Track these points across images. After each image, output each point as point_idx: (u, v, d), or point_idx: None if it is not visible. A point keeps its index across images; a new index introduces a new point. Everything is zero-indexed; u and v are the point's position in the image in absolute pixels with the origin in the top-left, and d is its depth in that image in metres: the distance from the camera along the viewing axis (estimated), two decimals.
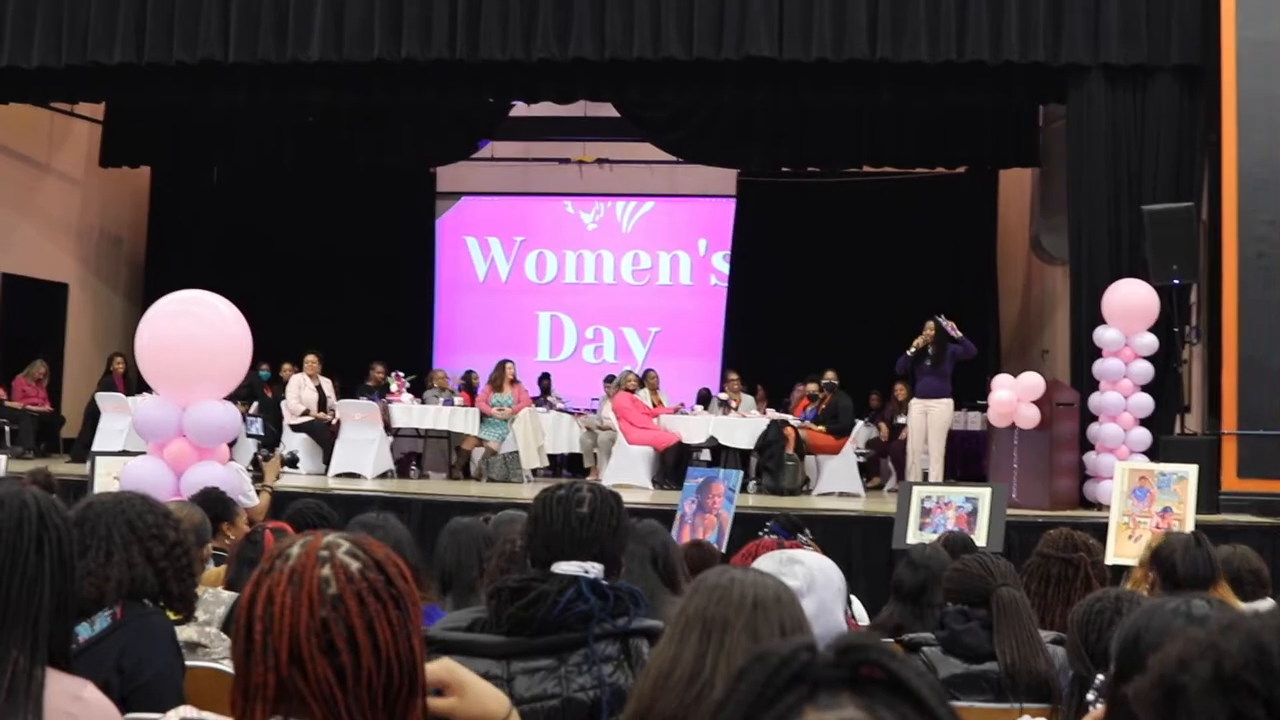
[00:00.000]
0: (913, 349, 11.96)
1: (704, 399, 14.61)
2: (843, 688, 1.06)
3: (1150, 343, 10.99)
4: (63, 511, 2.27)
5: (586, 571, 2.77)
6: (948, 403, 11.99)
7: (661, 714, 2.09)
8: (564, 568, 2.77)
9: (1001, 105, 14.38)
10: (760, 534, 5.71)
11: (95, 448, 12.10)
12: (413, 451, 14.00)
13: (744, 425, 12.85)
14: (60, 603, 2.18)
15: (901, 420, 13.24)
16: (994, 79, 11.92)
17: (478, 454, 13.36)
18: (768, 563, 2.93)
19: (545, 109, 14.89)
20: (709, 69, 11.94)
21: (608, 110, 15.27)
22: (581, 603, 2.69)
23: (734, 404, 13.56)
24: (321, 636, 1.70)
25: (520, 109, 15.57)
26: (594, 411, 14.75)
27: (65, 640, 2.19)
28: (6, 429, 13.76)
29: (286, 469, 10.04)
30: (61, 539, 2.20)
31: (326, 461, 12.77)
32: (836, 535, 9.29)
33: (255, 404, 13.30)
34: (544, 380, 15.89)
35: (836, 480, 12.48)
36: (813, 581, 2.90)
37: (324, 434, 12.94)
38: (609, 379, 14.69)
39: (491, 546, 4.21)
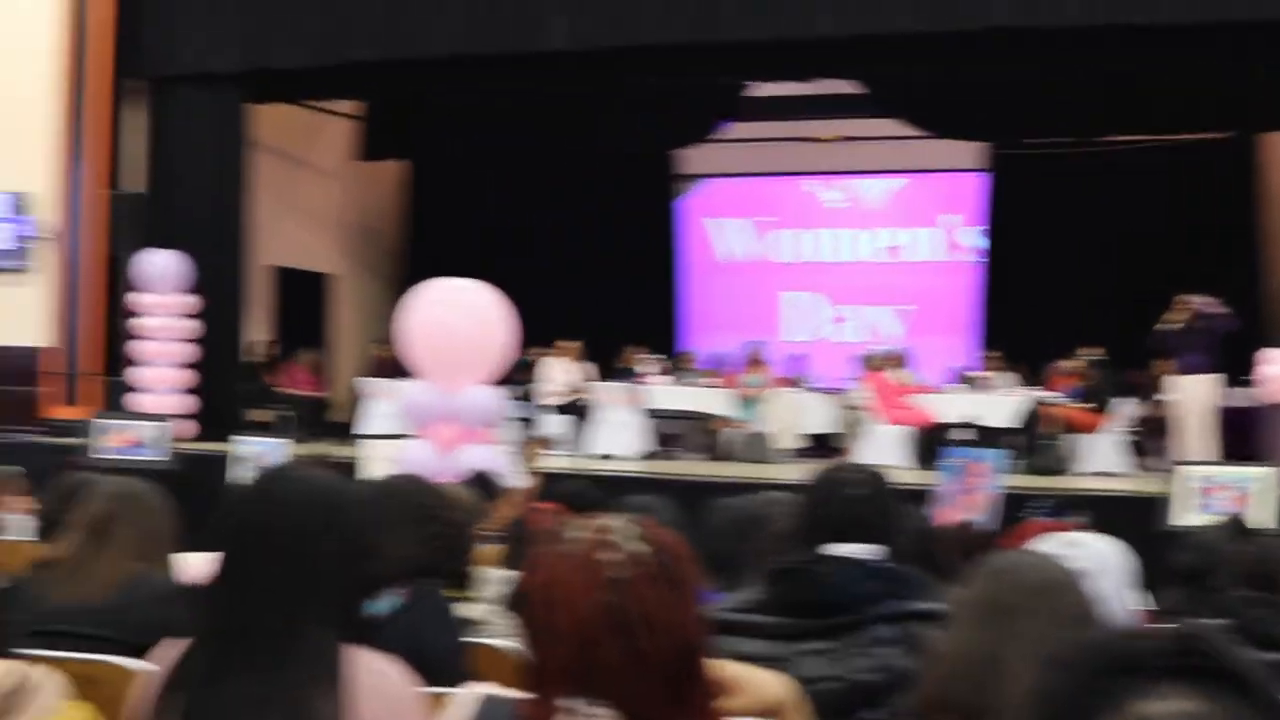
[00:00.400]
0: (1168, 324, 11.49)
1: (960, 377, 14.33)
2: (1180, 678, 1.02)
3: None
4: (355, 493, 2.35)
5: (864, 553, 2.74)
6: (1211, 378, 11.44)
7: (955, 700, 2.06)
8: (841, 549, 2.75)
9: (1267, 66, 13.64)
10: (1028, 515, 5.57)
11: (361, 431, 12.60)
12: (668, 432, 14.11)
13: (1002, 403, 12.56)
14: (356, 582, 2.26)
15: (1166, 397, 12.74)
16: (1259, 39, 11.31)
17: (729, 434, 13.40)
18: (1049, 546, 2.85)
19: (786, 87, 14.78)
20: (952, 41, 11.66)
21: (849, 86, 15.07)
22: (860, 584, 2.67)
23: (992, 382, 13.26)
24: (608, 619, 1.71)
25: (760, 88, 15.49)
26: (846, 391, 14.61)
27: (362, 618, 2.27)
28: (281, 415, 14.39)
29: (546, 451, 10.24)
30: (355, 520, 2.28)
31: (585, 443, 13.00)
32: (1100, 516, 8.98)
33: (515, 387, 13.61)
34: (794, 360, 15.83)
35: (1099, 459, 12.08)
36: (1096, 565, 2.81)
37: (582, 415, 13.18)
38: (861, 358, 14.53)
39: (758, 527, 4.19)
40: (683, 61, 12.71)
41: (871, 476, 2.88)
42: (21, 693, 2.05)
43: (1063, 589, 2.16)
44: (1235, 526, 5.30)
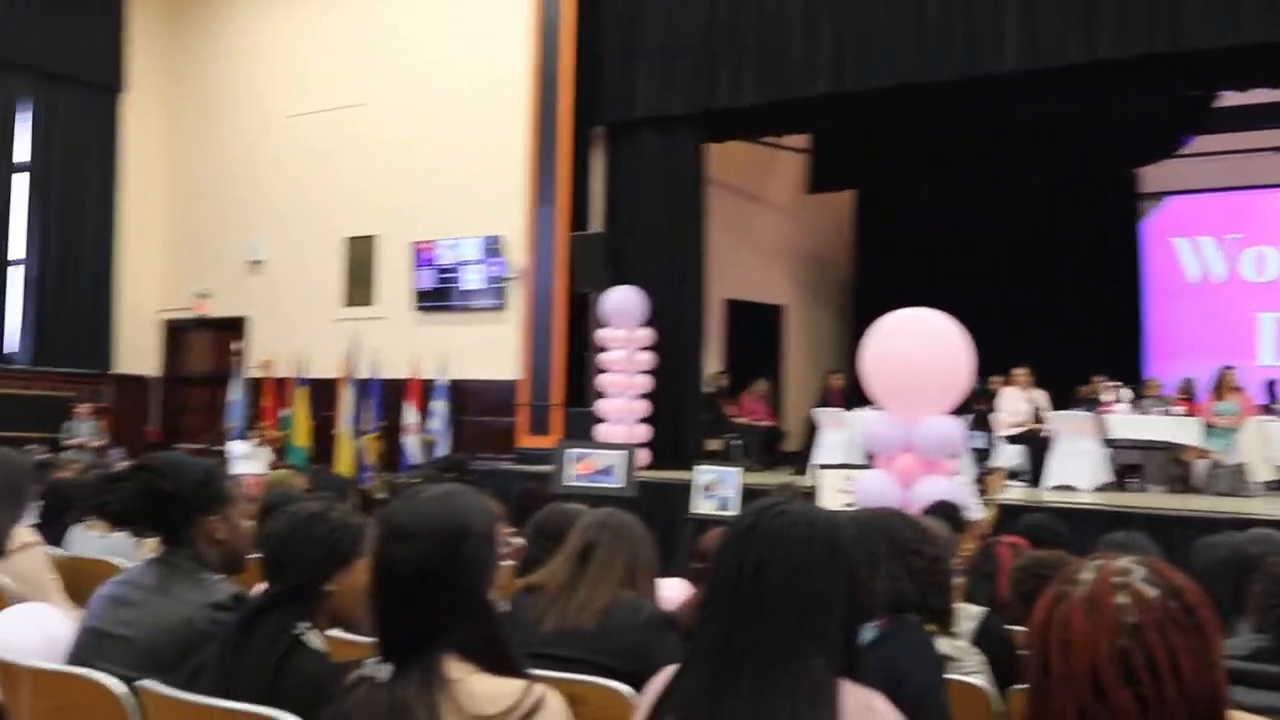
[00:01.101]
0: None
1: None
2: None
3: None
4: (845, 527, 2.36)
5: None
6: None
7: None
8: None
9: None
10: None
11: (816, 461, 12.71)
12: (1131, 464, 13.51)
13: None
14: (849, 614, 2.27)
15: None
16: None
17: (1201, 465, 12.67)
18: None
19: (1256, 95, 13.90)
20: None
21: None
22: None
23: None
24: (1122, 666, 1.65)
25: (1227, 98, 14.62)
26: None
27: (853, 651, 2.28)
28: (735, 444, 14.71)
29: (1005, 483, 10.00)
30: (850, 553, 2.30)
31: (1039, 473, 12.62)
32: None
33: (970, 417, 13.40)
34: (1272, 386, 14.81)
35: None
36: None
37: (1039, 446, 12.81)
38: None
39: (1250, 567, 3.93)
40: (1140, 76, 12.16)
41: None
42: (536, 709, 2.19)
43: None
44: None
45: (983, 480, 8.40)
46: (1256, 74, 12.31)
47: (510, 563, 4.38)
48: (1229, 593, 3.96)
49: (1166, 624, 1.67)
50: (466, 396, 14.17)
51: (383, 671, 2.26)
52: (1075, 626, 1.69)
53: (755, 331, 17.08)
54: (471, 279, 14.47)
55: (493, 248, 14.26)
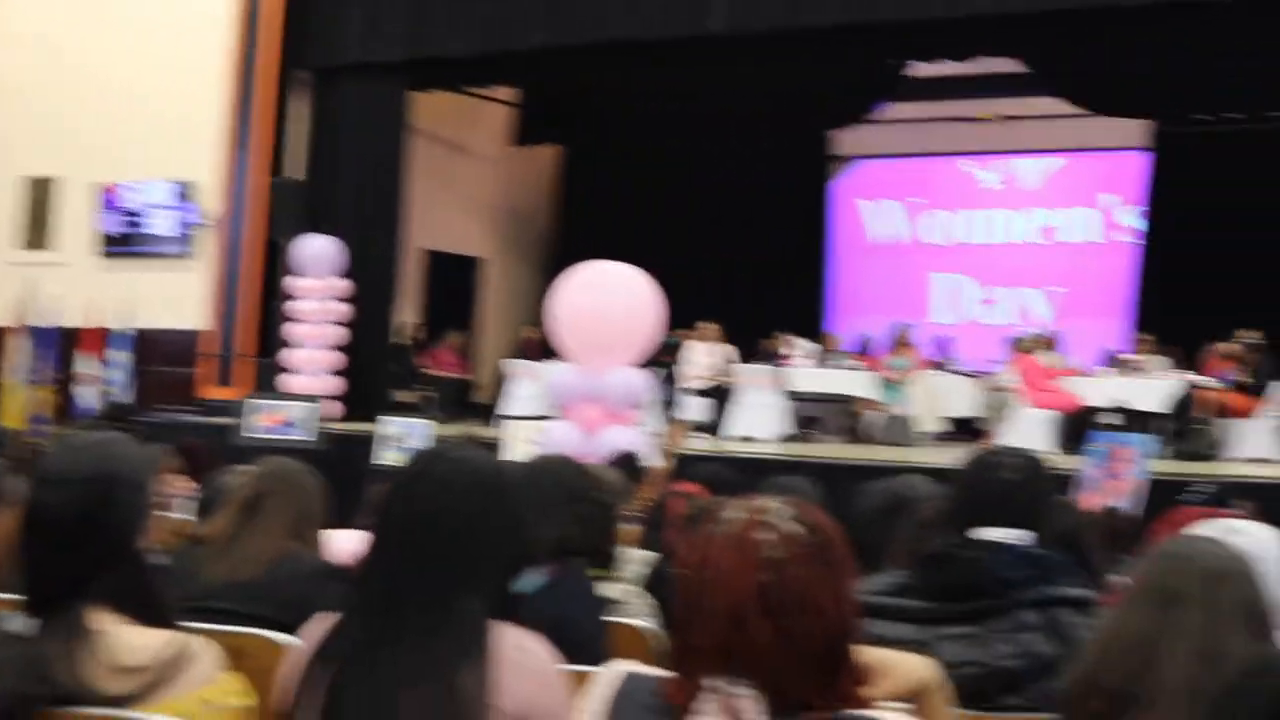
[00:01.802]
0: None
1: (1111, 360, 14.01)
2: None
3: None
4: (511, 473, 2.40)
5: (1013, 538, 2.71)
6: None
7: (1107, 684, 2.03)
8: (990, 534, 2.72)
9: None
10: (1184, 501, 5.43)
11: (504, 413, 12.76)
12: (811, 416, 14.06)
13: (1153, 387, 12.26)
14: (509, 560, 2.31)
15: None
16: None
17: (874, 417, 13.29)
18: (1206, 532, 2.78)
19: (943, 67, 14.61)
20: (1119, 15, 11.39)
21: (1006, 65, 14.80)
22: (1008, 569, 2.64)
23: (1143, 365, 12.94)
24: (763, 600, 1.72)
25: (916, 68, 15.31)
26: (993, 374, 14.39)
27: (510, 595, 2.31)
28: (425, 396, 14.63)
29: (689, 434, 10.27)
30: (514, 500, 2.33)
31: (725, 425, 13.00)
32: (1258, 503, 8.74)
33: (659, 369, 13.67)
34: (942, 343, 15.64)
35: (1252, 445, 11.71)
36: (1258, 554, 2.74)
37: (725, 398, 13.18)
38: (1009, 340, 14.30)
39: (902, 511, 4.16)
40: (839, 43, 12.62)
41: (1027, 461, 2.85)
42: (181, 661, 2.14)
43: (1234, 578, 2.11)
44: None
45: (667, 431, 8.59)
46: (946, 46, 12.94)
47: (176, 514, 4.27)
48: (883, 534, 4.19)
49: (807, 560, 1.75)
50: (151, 346, 13.61)
51: (18, 623, 2.17)
52: (721, 563, 1.75)
53: (454, 283, 16.98)
54: (160, 224, 13.91)
55: (185, 192, 13.74)
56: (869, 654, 1.94)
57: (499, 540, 2.26)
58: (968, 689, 2.60)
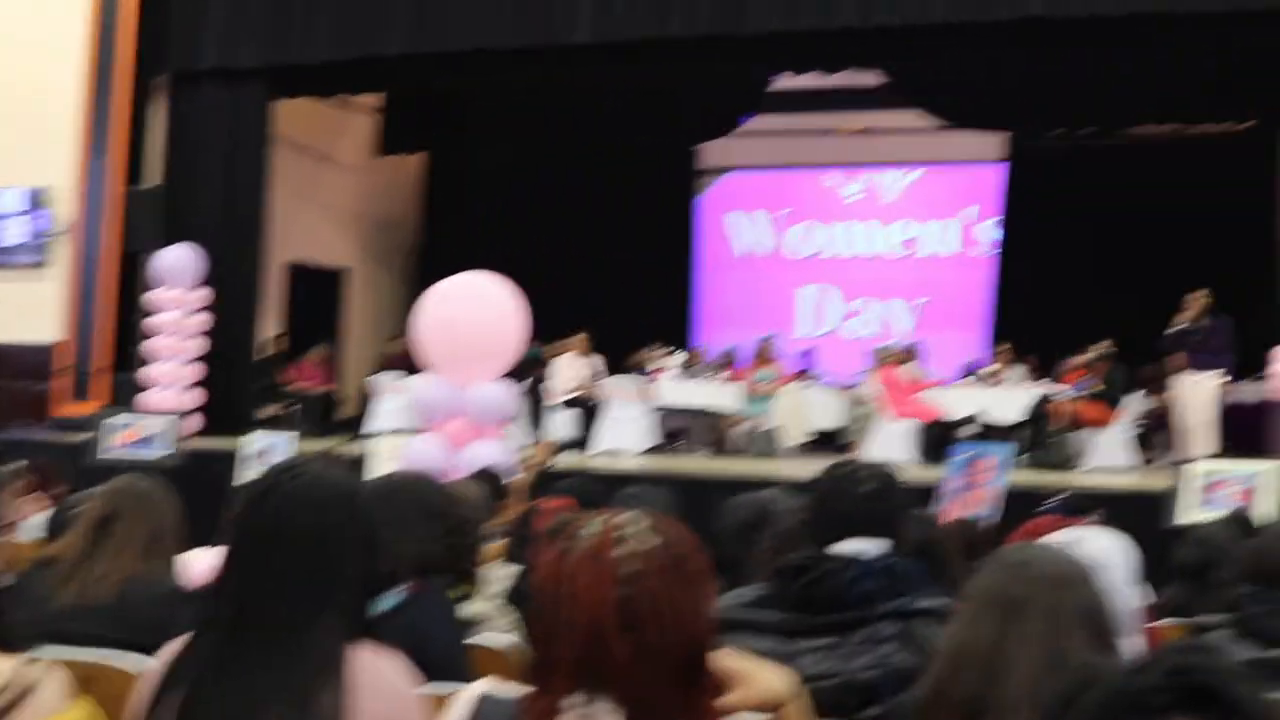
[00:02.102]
0: (1181, 323, 11.44)
1: (970, 371, 14.29)
2: (1174, 710, 1.04)
3: None
4: (367, 490, 2.36)
5: (870, 550, 2.74)
6: (1216, 375, 11.35)
7: (959, 694, 2.06)
8: (847, 546, 2.75)
9: None
10: (1040, 511, 5.56)
11: (370, 427, 12.62)
12: (678, 428, 14.14)
13: (1011, 398, 12.54)
14: (365, 579, 2.27)
15: (1173, 393, 12.72)
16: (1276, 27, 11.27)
17: (738, 430, 13.40)
18: (1054, 541, 2.85)
19: (808, 80, 14.80)
20: (979, 31, 11.64)
21: (871, 79, 15.07)
22: (865, 581, 2.67)
23: (1002, 376, 13.23)
24: (621, 614, 1.72)
25: (782, 81, 15.49)
26: (856, 386, 14.60)
27: (368, 614, 2.28)
28: (288, 411, 14.40)
29: (555, 447, 10.22)
30: (369, 517, 2.30)
31: (592, 439, 12.99)
32: (1109, 512, 8.96)
33: (526, 382, 13.63)
34: (807, 355, 15.82)
35: (1107, 454, 12.06)
36: (1100, 562, 2.81)
37: (590, 411, 13.18)
38: (871, 353, 14.51)
39: (764, 525, 4.19)
40: (707, 55, 12.70)
41: (881, 473, 2.89)
42: (24, 690, 2.06)
43: (1074, 583, 2.15)
44: (1237, 522, 5.31)
45: (533, 445, 8.57)
46: (811, 59, 13.11)
47: (26, 535, 4.15)
48: (746, 548, 4.22)
49: (664, 572, 1.75)
50: (2, 360, 13.22)
51: None
52: (578, 578, 1.75)
53: (318, 295, 16.73)
54: (12, 232, 13.51)
55: (38, 199, 13.35)
56: (727, 663, 1.95)
57: (354, 558, 2.22)
58: (827, 701, 2.62)
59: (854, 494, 2.80)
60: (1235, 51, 12.78)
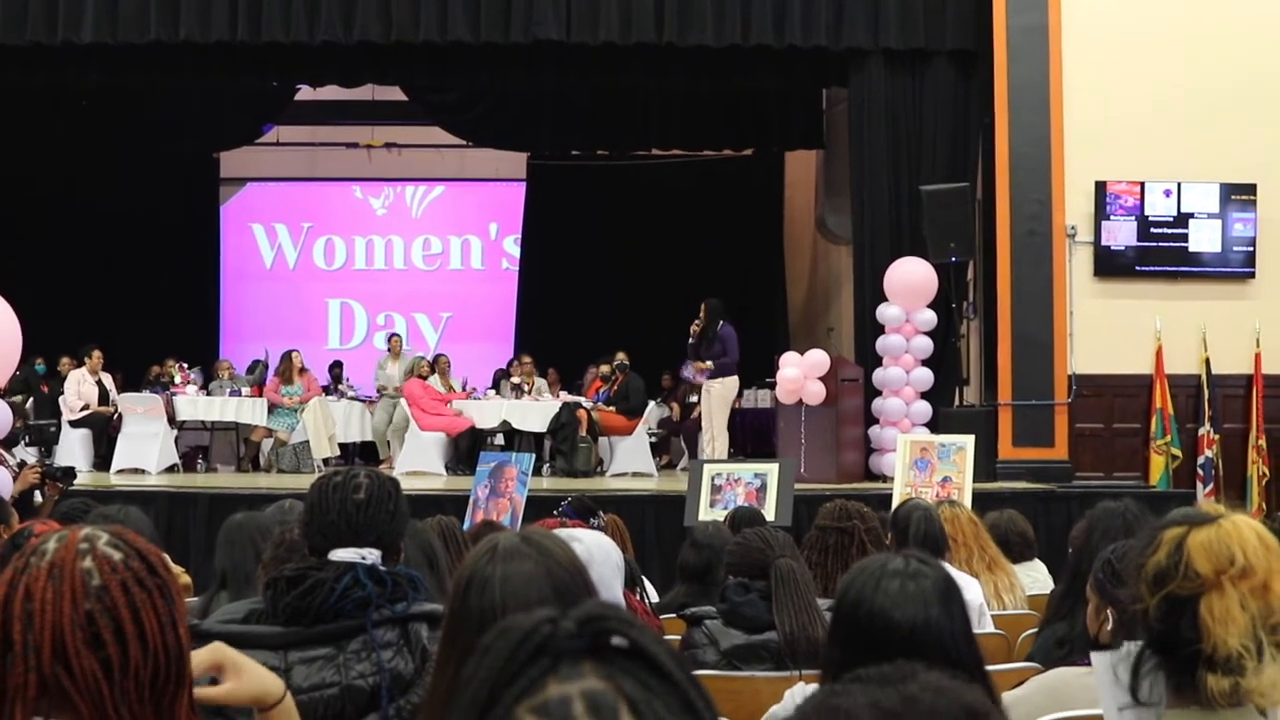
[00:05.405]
0: (694, 332, 12.05)
1: (496, 383, 14.55)
2: (585, 658, 1.08)
3: (930, 319, 11.34)
4: None
5: (364, 558, 2.75)
6: (727, 380, 12.04)
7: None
8: (341, 555, 2.74)
9: (786, 89, 14.64)
10: (554, 514, 5.73)
11: None
12: (199, 445, 13.69)
13: (536, 408, 12.87)
14: None
15: (693, 400, 13.44)
16: (778, 63, 12.13)
17: (267, 445, 13.11)
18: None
19: (332, 93, 14.67)
20: (497, 52, 11.91)
21: (396, 94, 15.11)
22: (359, 589, 2.67)
23: (526, 387, 13.55)
24: (86, 630, 1.66)
25: (306, 92, 15.27)
26: (386, 398, 14.55)
27: None
28: None
29: (61, 468, 9.62)
30: None
31: (110, 457, 12.34)
32: (630, 515, 9.27)
33: (30, 399, 12.81)
34: (334, 369, 15.66)
35: (629, 461, 12.60)
36: (590, 557, 2.93)
37: (105, 429, 12.52)
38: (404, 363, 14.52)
39: (269, 537, 4.12)
40: (225, 62, 12.31)
41: (375, 481, 2.89)
42: None
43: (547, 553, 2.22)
44: (739, 520, 5.67)
45: (37, 466, 7.98)
46: (328, 72, 12.98)
47: None
48: (249, 557, 4.13)
49: (130, 585, 1.70)
50: None
51: None
52: (38, 595, 1.67)
53: None
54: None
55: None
56: (224, 654, 1.96)
57: None
58: (327, 711, 2.62)
59: (345, 503, 2.80)
60: (735, 85, 13.66)
